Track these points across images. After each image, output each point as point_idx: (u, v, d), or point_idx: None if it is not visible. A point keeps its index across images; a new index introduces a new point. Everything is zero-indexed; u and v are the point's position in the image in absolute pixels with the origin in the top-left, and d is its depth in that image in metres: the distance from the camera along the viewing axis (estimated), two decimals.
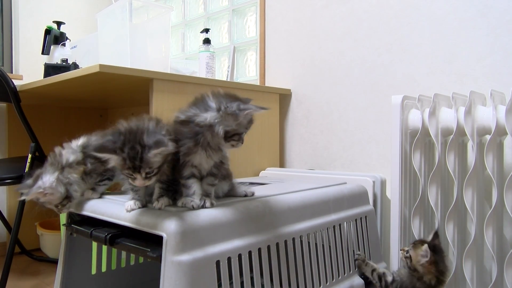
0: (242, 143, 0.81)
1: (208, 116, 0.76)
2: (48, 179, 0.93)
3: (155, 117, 0.81)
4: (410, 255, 0.96)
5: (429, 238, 0.97)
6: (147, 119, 0.78)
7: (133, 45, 1.62)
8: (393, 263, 1.14)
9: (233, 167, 1.10)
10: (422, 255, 0.93)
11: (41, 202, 0.95)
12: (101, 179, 1.00)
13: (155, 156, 0.72)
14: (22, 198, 0.92)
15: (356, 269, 1.10)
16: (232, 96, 0.80)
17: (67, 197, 0.94)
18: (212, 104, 0.78)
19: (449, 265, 0.98)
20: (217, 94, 0.80)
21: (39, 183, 0.92)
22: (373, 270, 1.03)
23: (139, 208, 0.83)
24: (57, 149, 0.99)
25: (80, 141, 1.02)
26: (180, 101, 1.41)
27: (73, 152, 0.98)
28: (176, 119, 0.82)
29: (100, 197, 0.99)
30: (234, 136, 0.79)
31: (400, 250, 1.00)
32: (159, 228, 0.74)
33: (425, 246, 0.93)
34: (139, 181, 0.75)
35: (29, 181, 0.93)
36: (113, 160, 0.74)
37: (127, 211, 0.82)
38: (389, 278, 1.00)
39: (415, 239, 1.04)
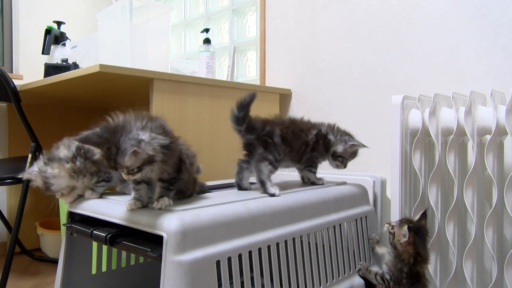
0: (344, 167, 1.16)
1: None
2: (33, 167, 0.99)
3: (147, 116, 0.79)
4: (394, 232, 1.00)
5: (417, 218, 1.00)
6: (134, 118, 0.77)
7: (133, 45, 1.62)
8: None
9: (234, 167, 1.10)
10: (403, 234, 0.96)
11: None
12: (97, 180, 1.00)
13: (126, 161, 0.72)
14: (20, 176, 1.02)
15: (357, 270, 1.10)
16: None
17: (47, 189, 0.97)
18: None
19: (428, 246, 1.02)
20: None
21: (30, 169, 0.99)
22: (376, 274, 1.05)
23: (139, 208, 0.83)
24: (61, 142, 1.03)
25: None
26: (180, 101, 1.41)
27: (68, 148, 1.00)
28: None
29: (100, 197, 0.99)
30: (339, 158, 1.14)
31: (387, 223, 1.03)
32: (159, 228, 0.74)
33: (405, 227, 0.96)
34: (124, 176, 0.76)
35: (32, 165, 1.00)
36: (98, 153, 0.75)
37: (128, 210, 0.82)
38: (388, 277, 1.01)
39: (405, 217, 1.07)
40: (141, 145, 0.72)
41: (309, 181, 1.18)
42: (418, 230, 0.98)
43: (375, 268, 1.08)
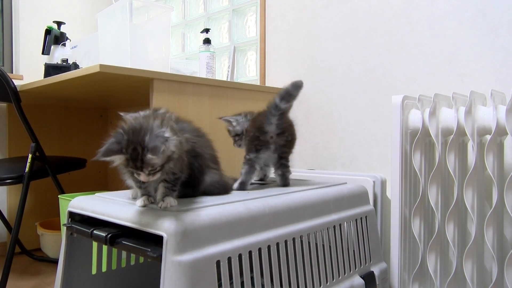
0: None
1: None
2: None
3: (161, 115, 0.81)
4: None
5: None
6: (152, 118, 0.78)
7: (133, 45, 1.62)
8: (393, 263, 1.14)
9: (234, 167, 1.10)
10: None
11: None
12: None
13: (156, 159, 0.73)
14: None
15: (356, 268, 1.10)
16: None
17: None
18: None
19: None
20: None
21: None
22: None
23: (152, 203, 0.84)
24: None
25: None
26: (180, 101, 1.41)
27: None
28: None
29: (100, 197, 0.99)
30: None
31: None
32: (159, 228, 0.74)
33: None
34: (143, 177, 0.76)
35: None
36: (118, 159, 0.75)
37: (140, 206, 0.83)
38: None
39: None
40: (168, 142, 0.73)
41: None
42: None
43: None
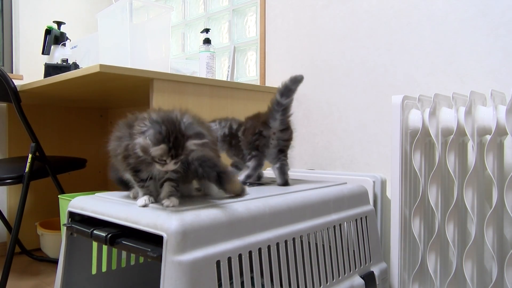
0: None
1: None
2: None
3: (180, 109, 0.85)
4: None
5: None
6: (178, 112, 0.83)
7: (133, 45, 1.62)
8: (393, 263, 1.14)
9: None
10: None
11: None
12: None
13: (194, 145, 0.78)
14: None
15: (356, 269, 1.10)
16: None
17: None
18: None
19: None
20: None
21: None
22: None
23: (152, 203, 0.84)
24: None
25: None
26: (180, 101, 1.41)
27: None
28: None
29: (100, 197, 0.99)
30: None
31: None
32: (159, 228, 0.74)
33: None
34: (170, 166, 0.78)
35: None
36: (160, 150, 0.76)
37: (140, 206, 0.83)
38: None
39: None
40: (205, 134, 0.80)
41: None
42: None
43: None
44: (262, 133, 1.09)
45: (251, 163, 1.11)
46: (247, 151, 1.12)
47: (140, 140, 0.76)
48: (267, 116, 1.11)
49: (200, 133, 0.78)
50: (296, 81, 1.07)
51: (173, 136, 0.76)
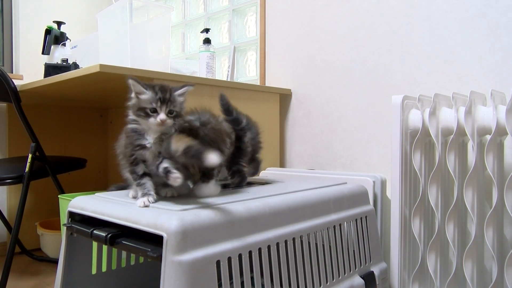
0: None
1: None
2: None
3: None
4: None
5: None
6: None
7: (133, 45, 1.62)
8: (393, 263, 1.14)
9: None
10: None
11: None
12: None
13: (180, 96, 0.89)
14: None
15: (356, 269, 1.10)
16: None
17: None
18: None
19: None
20: None
21: None
22: None
23: (153, 203, 0.85)
24: None
25: None
26: None
27: None
28: None
29: (100, 197, 0.99)
30: None
31: None
32: (159, 228, 0.74)
33: None
34: (162, 116, 0.84)
35: None
36: (146, 95, 0.85)
37: (140, 206, 0.83)
38: None
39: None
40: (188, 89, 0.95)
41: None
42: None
43: None
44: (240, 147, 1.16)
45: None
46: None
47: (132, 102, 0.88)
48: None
49: (184, 86, 0.89)
50: (223, 98, 1.18)
51: (159, 86, 0.87)
